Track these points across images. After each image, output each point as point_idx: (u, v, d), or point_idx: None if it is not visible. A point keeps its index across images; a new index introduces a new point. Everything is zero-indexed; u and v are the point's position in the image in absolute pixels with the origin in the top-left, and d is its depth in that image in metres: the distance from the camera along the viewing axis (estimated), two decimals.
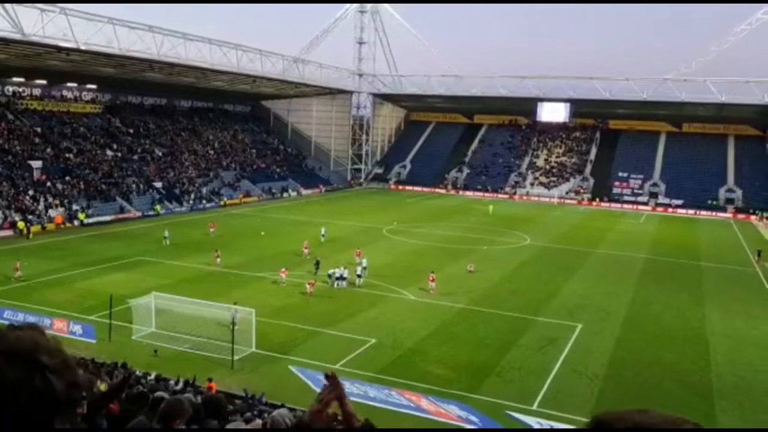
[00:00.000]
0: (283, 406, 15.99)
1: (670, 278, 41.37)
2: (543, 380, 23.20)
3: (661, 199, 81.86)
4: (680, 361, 26.10)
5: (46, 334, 1.40)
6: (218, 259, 39.52)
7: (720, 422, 20.36)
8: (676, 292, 37.71)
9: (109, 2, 72.98)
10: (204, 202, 67.29)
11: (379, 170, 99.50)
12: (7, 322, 25.36)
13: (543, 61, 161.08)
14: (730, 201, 79.20)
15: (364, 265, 37.33)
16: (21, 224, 48.23)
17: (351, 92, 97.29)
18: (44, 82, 65.83)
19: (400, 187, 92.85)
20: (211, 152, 79.76)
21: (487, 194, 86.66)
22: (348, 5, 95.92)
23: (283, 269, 36.00)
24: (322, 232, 48.28)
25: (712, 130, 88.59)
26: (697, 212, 76.80)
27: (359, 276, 36.01)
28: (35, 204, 52.80)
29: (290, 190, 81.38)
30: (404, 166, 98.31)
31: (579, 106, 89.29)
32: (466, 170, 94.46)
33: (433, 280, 35.19)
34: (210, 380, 20.06)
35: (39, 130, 63.19)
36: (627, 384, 23.46)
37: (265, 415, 10.11)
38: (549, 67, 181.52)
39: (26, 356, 1.29)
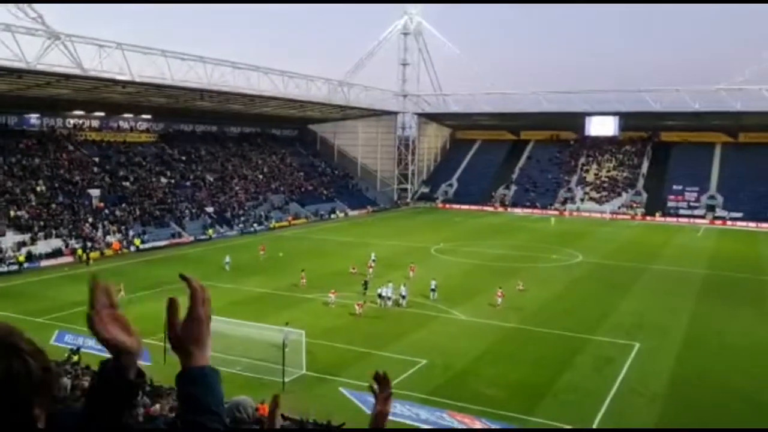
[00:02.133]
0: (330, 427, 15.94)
1: (732, 294, 39.81)
2: (601, 401, 22.53)
3: (719, 212, 79.13)
4: (746, 380, 24.98)
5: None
6: (303, 281, 39.97)
7: None
8: (740, 308, 36.24)
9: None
10: (254, 225, 68.43)
11: (425, 189, 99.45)
12: (69, 347, 26.21)
13: (589, 75, 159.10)
14: None
15: (402, 292, 36.44)
16: (80, 251, 49.92)
17: (396, 113, 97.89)
18: (102, 113, 68.47)
19: (447, 205, 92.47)
20: (260, 176, 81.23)
21: (535, 211, 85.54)
22: (391, 28, 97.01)
23: (333, 290, 36.18)
24: (372, 257, 46.30)
25: None
26: (758, 225, 73.88)
27: (403, 297, 35.83)
28: (94, 231, 54.65)
29: (337, 212, 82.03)
30: (451, 185, 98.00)
31: (628, 119, 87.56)
32: (513, 187, 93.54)
33: (501, 296, 35.54)
34: (262, 403, 20.17)
35: (97, 159, 65.65)
36: (690, 404, 22.58)
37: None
38: (596, 81, 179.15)
39: (4, 341, 1.37)
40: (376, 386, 2.25)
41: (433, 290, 37.33)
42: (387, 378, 2.24)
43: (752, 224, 74.07)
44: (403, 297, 35.76)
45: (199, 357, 1.69)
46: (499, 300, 35.68)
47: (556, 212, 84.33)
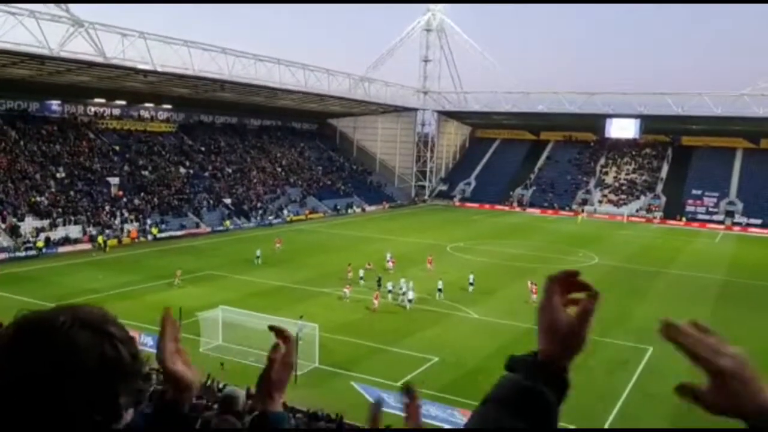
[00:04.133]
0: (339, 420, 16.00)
1: (751, 301, 39.32)
2: (613, 404, 22.44)
3: (738, 218, 78.14)
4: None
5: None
6: (350, 274, 39.68)
7: None
8: (760, 315, 35.79)
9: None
10: (270, 217, 68.71)
11: (443, 187, 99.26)
12: None
13: (612, 77, 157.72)
14: None
15: (410, 288, 36.12)
16: (101, 239, 50.46)
17: (416, 110, 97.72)
18: (123, 102, 69.06)
19: (465, 204, 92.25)
20: (279, 169, 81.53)
21: (559, 213, 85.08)
22: (413, 24, 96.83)
23: (347, 285, 36.27)
24: (388, 257, 45.34)
25: None
26: None
27: (407, 297, 35.08)
28: (112, 219, 55.23)
29: (355, 207, 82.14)
30: (469, 183, 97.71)
31: (650, 123, 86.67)
32: (532, 187, 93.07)
33: (535, 292, 35.14)
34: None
35: (117, 148, 66.27)
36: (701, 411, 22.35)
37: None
38: (618, 83, 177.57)
39: (97, 325, 1.37)
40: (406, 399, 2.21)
41: (439, 290, 36.96)
42: (413, 391, 2.21)
43: None
44: (410, 300, 34.89)
45: (278, 402, 1.72)
46: (534, 297, 35.45)
47: (583, 213, 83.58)
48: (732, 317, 35.38)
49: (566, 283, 1.45)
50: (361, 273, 40.04)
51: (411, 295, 35.31)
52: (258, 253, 45.70)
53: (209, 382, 20.00)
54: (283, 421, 1.70)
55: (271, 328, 1.78)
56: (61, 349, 1.30)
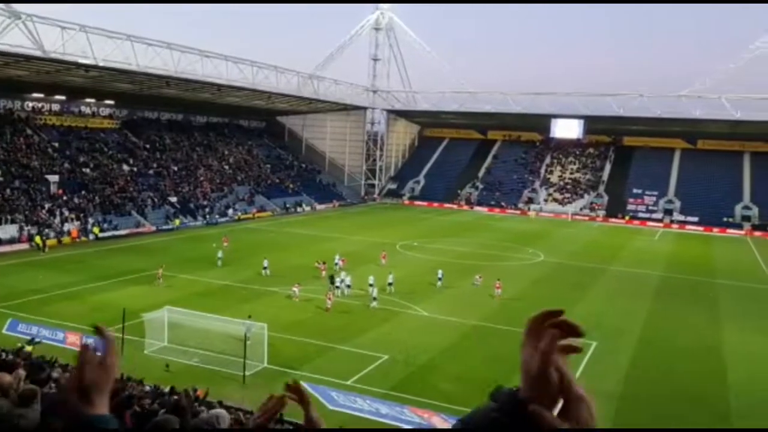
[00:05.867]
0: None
1: (685, 296, 40.92)
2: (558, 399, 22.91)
3: (676, 216, 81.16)
4: (697, 381, 25.73)
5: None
6: (324, 272, 39.46)
7: None
8: (692, 310, 37.27)
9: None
10: (217, 216, 67.63)
11: (392, 186, 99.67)
12: (22, 336, 25.58)
13: (557, 78, 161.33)
14: (746, 218, 78.36)
15: (347, 282, 37.34)
16: (38, 239, 48.69)
17: (365, 108, 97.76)
18: (63, 97, 66.76)
19: (414, 202, 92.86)
20: (226, 167, 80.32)
21: (505, 210, 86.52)
22: (363, 22, 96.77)
23: (296, 284, 36.03)
24: (336, 259, 44.22)
25: (728, 147, 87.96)
26: (713, 229, 76.06)
27: (371, 295, 35.46)
28: (51, 218, 53.36)
29: (304, 205, 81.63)
30: (418, 182, 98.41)
31: (593, 123, 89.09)
32: (479, 186, 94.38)
33: (499, 288, 37.51)
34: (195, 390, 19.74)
35: (57, 144, 64.01)
36: (643, 404, 23.15)
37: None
38: (563, 84, 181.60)
39: None
40: (294, 396, 2.25)
41: (390, 284, 37.61)
42: (298, 387, 2.26)
43: (707, 229, 76.16)
44: (374, 299, 34.96)
45: (100, 405, 1.65)
46: (498, 291, 37.55)
47: (534, 212, 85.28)
48: (669, 312, 36.76)
49: (545, 322, 1.49)
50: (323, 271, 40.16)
51: (374, 292, 35.35)
52: (220, 254, 44.33)
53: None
54: (108, 423, 1.64)
55: (94, 327, 1.70)
56: None
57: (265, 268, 41.55)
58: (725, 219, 78.14)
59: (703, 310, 37.53)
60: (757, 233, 74.09)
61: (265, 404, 2.19)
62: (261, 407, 2.19)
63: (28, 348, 21.71)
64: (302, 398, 2.18)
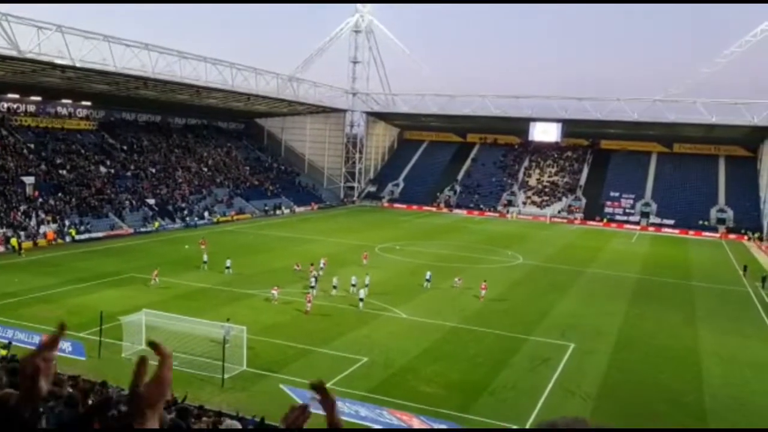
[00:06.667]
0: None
1: (662, 298, 41.46)
2: (536, 400, 23.12)
3: (653, 219, 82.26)
4: (673, 381, 26.08)
5: None
6: (314, 272, 39.21)
7: None
8: (668, 311, 37.78)
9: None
10: (196, 219, 67.10)
11: (372, 188, 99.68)
12: None
13: (535, 82, 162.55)
14: (721, 221, 79.66)
15: (334, 282, 37.70)
16: (14, 241, 47.89)
17: (345, 111, 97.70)
18: (39, 98, 65.80)
19: (394, 205, 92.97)
20: (205, 169, 79.75)
21: (484, 213, 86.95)
22: (342, 25, 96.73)
23: (275, 287, 35.88)
24: (321, 264, 43.34)
25: (703, 151, 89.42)
26: (689, 232, 77.21)
27: (358, 296, 35.67)
28: (27, 220, 52.55)
29: (283, 208, 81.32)
30: (397, 185, 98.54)
31: (570, 127, 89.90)
32: (458, 189, 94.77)
33: (484, 288, 38.33)
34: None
35: (32, 146, 63.06)
36: (620, 404, 23.40)
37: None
38: (541, 88, 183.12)
39: None
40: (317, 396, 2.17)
41: (366, 285, 37.32)
42: (323, 387, 2.17)
43: (683, 231, 77.28)
44: (361, 299, 35.18)
45: (151, 420, 1.66)
46: (483, 292, 37.95)
47: (512, 214, 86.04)
48: (644, 313, 37.23)
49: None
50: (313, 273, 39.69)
51: (362, 294, 35.48)
52: (205, 258, 43.77)
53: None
54: None
55: (150, 344, 1.68)
56: None
57: (228, 267, 41.74)
58: (701, 222, 79.34)
59: (679, 311, 38.06)
60: (732, 236, 75.38)
61: (288, 416, 2.14)
62: (283, 419, 2.15)
63: (4, 352, 21.41)
64: (326, 399, 2.12)
